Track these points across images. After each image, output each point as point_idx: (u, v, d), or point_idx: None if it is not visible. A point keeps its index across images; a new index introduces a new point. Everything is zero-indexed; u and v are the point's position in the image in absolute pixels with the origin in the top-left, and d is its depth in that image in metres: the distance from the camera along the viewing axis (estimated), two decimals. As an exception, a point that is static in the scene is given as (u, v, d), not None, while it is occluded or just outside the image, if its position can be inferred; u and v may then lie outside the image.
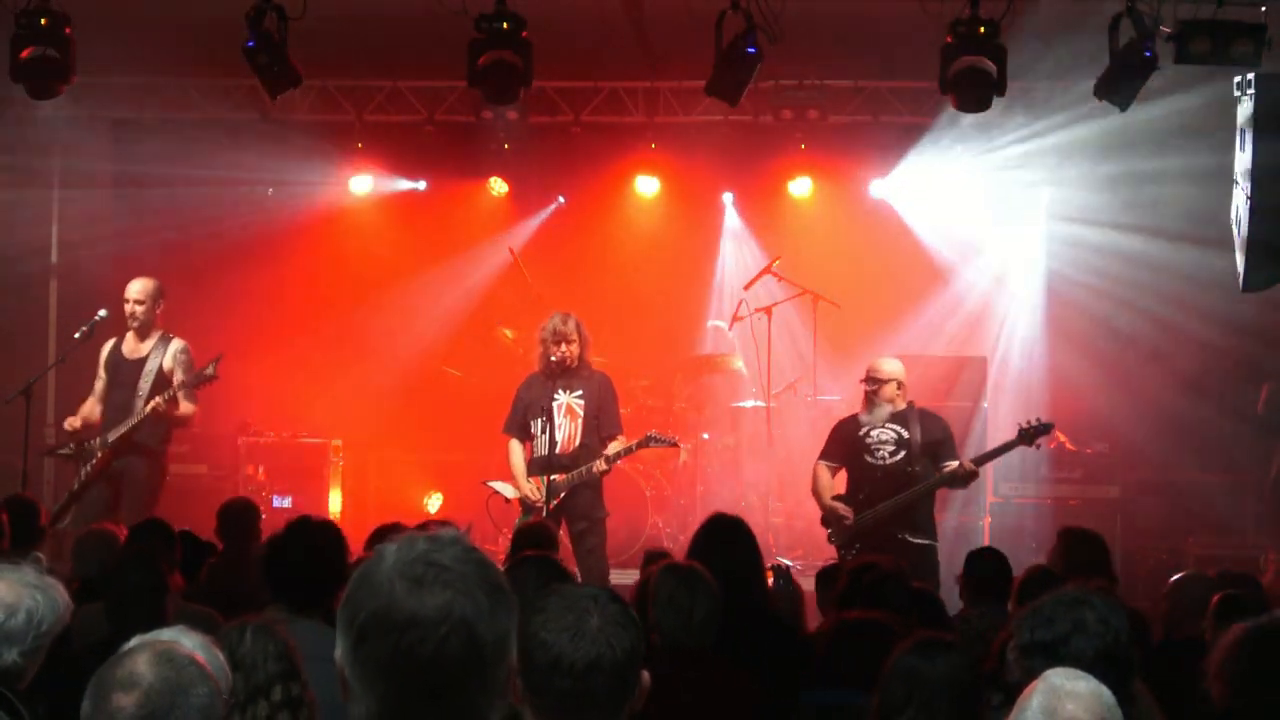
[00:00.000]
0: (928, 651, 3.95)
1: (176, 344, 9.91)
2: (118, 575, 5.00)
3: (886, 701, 3.92)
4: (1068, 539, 6.90)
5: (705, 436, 12.58)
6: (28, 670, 4.01)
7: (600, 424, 9.54)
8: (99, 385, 9.98)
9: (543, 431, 9.49)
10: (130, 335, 9.90)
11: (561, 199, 13.93)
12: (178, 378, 9.74)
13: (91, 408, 9.94)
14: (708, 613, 4.85)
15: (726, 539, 5.85)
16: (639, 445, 9.60)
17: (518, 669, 2.20)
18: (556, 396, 9.48)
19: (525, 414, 9.63)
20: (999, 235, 13.46)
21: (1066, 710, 3.16)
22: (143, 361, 9.83)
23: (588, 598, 2.73)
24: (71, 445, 9.88)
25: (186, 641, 3.07)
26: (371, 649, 2.07)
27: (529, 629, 2.62)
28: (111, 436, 9.69)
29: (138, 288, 9.93)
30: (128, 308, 9.86)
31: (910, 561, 7.18)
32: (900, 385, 9.29)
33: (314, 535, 5.02)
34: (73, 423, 9.82)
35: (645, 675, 2.73)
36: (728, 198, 13.88)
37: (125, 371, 9.84)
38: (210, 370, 9.70)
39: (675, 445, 10.11)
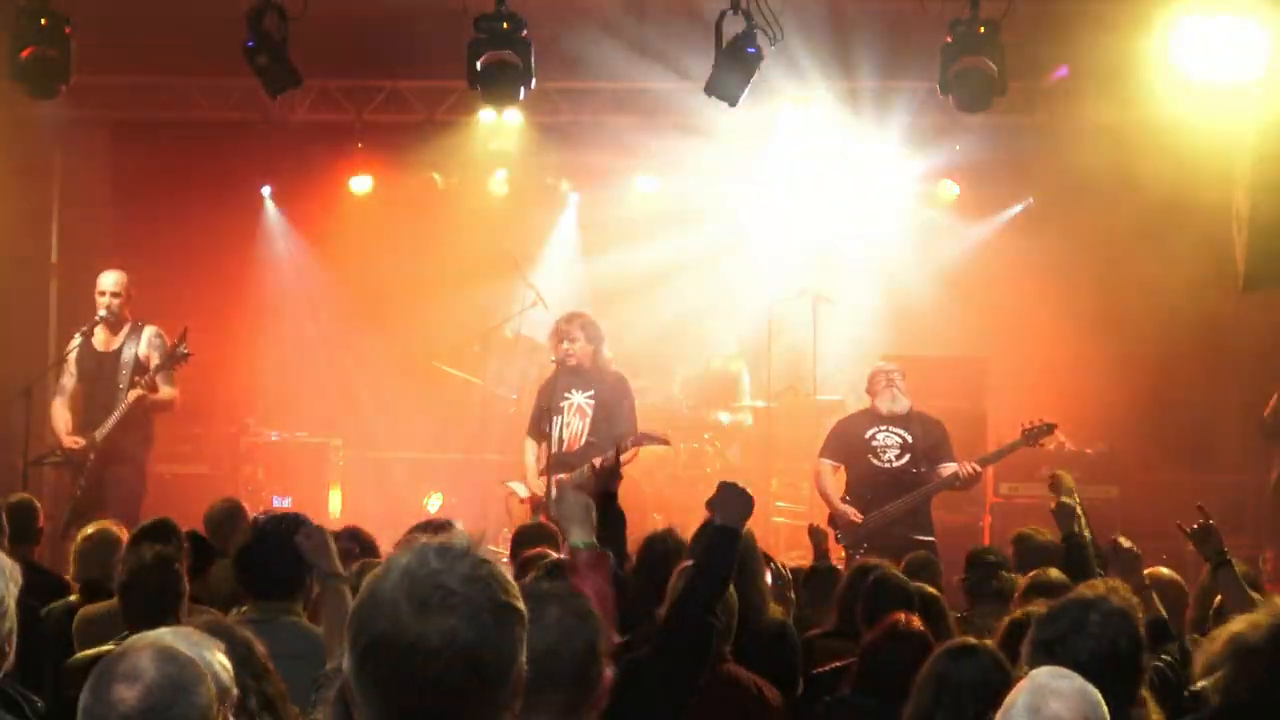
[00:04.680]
0: (956, 655, 4.06)
1: (149, 330, 9.87)
2: (136, 576, 4.99)
3: (919, 705, 4.02)
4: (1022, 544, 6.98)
5: (706, 436, 12.57)
6: (2, 647, 3.98)
7: (611, 426, 9.55)
8: (68, 384, 9.90)
9: (553, 431, 9.54)
10: (100, 329, 9.84)
11: (574, 196, 13.89)
12: (155, 363, 9.71)
13: (61, 410, 9.88)
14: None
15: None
16: (633, 443, 9.63)
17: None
18: (568, 396, 9.54)
19: (542, 415, 9.69)
20: (999, 234, 13.46)
21: (1051, 708, 3.17)
22: (118, 353, 9.79)
23: (549, 593, 2.85)
24: (59, 452, 9.83)
25: (189, 641, 3.08)
26: (373, 672, 2.08)
27: None
28: (99, 435, 9.65)
29: (114, 280, 9.88)
30: (104, 300, 9.81)
31: (917, 558, 7.25)
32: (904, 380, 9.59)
33: (279, 530, 5.03)
34: (76, 440, 9.75)
35: (608, 673, 2.78)
36: (733, 197, 13.84)
37: (100, 366, 9.80)
38: (183, 348, 9.65)
39: (665, 443, 10.18)
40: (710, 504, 4.40)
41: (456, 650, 2.05)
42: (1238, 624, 4.22)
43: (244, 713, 3.52)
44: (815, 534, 7.99)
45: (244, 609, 5.08)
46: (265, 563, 4.95)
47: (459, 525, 6.40)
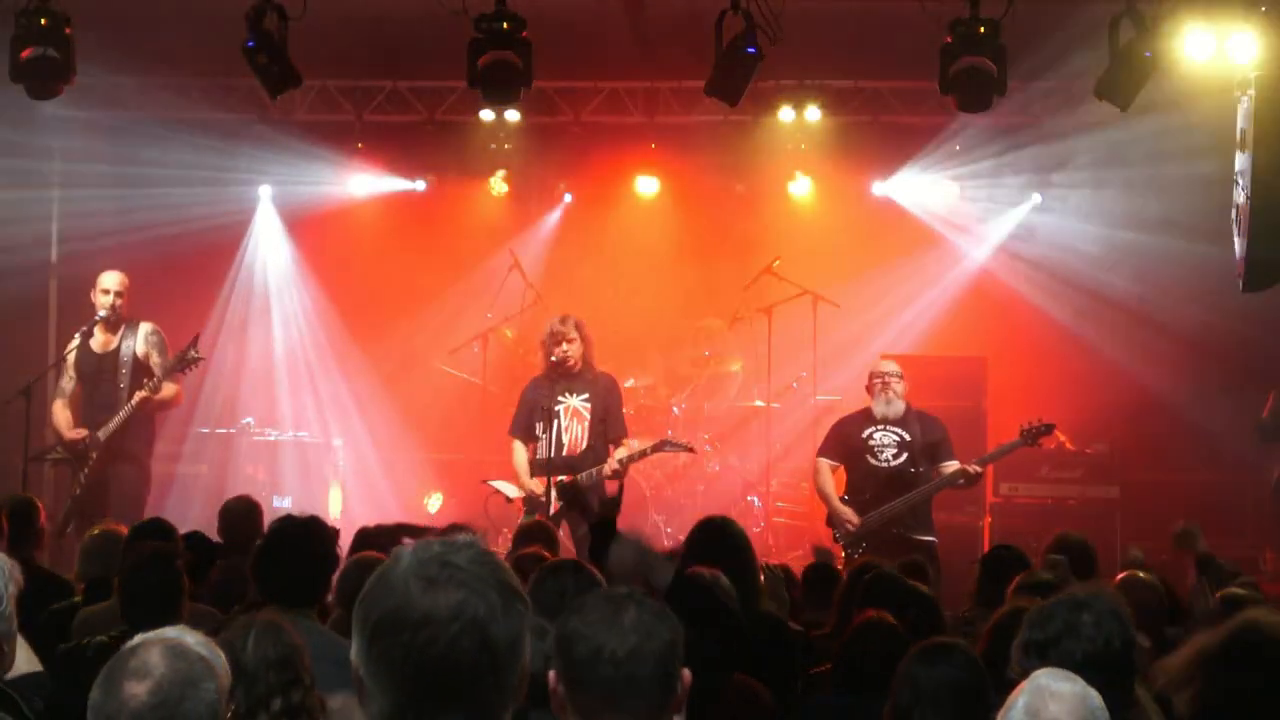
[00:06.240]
0: (929, 657, 4.05)
1: (145, 327, 9.91)
2: (136, 573, 5.00)
3: (895, 706, 4.02)
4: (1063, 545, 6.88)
5: (705, 436, 12.58)
6: (1, 647, 3.99)
7: (607, 427, 9.60)
8: (68, 386, 9.95)
9: (547, 433, 9.53)
10: (97, 330, 9.87)
11: (568, 196, 13.91)
12: (154, 359, 9.75)
13: (62, 410, 9.91)
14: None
15: (716, 541, 5.86)
16: (653, 449, 9.76)
17: (530, 672, 2.19)
18: (562, 399, 9.54)
19: (530, 416, 9.68)
20: (999, 234, 13.47)
21: (1050, 711, 3.16)
22: (116, 353, 9.82)
23: (624, 595, 2.79)
24: (60, 449, 9.85)
25: (189, 639, 3.09)
26: (384, 648, 2.08)
27: (567, 627, 2.67)
28: (103, 434, 9.68)
29: (116, 280, 9.93)
30: (106, 299, 9.85)
31: (911, 559, 7.25)
32: (902, 382, 9.51)
33: (300, 535, 5.03)
34: (78, 432, 9.78)
35: (686, 673, 2.74)
36: (734, 198, 13.85)
37: (100, 366, 9.82)
38: (194, 352, 9.68)
39: (690, 450, 10.27)
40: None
41: (465, 622, 2.07)
42: (1201, 637, 4.22)
43: (264, 711, 3.53)
44: (820, 552, 8.05)
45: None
46: (283, 569, 4.93)
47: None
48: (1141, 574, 6.56)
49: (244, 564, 6.49)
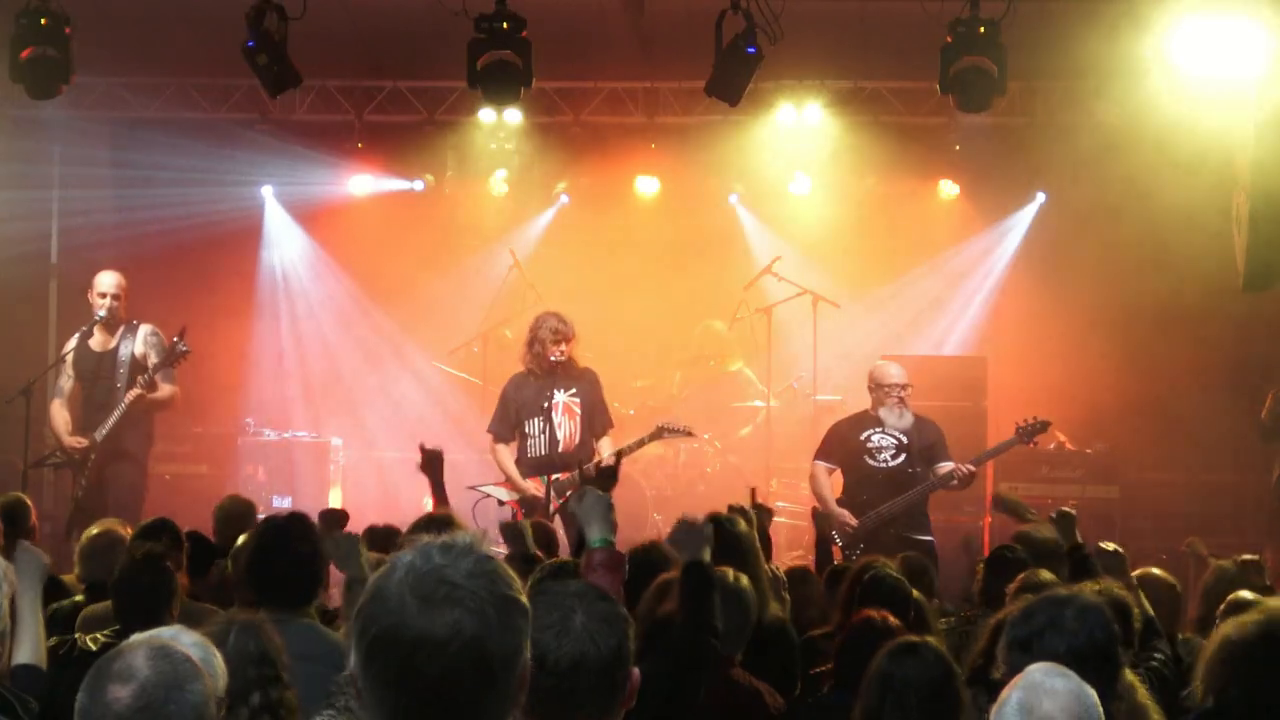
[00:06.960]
0: (897, 656, 4.08)
1: (145, 329, 9.90)
2: (128, 575, 5.00)
3: (866, 705, 4.05)
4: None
5: (705, 436, 12.58)
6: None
7: (593, 421, 9.63)
8: (66, 385, 9.93)
9: (541, 432, 9.52)
10: (96, 329, 9.87)
11: (567, 196, 13.92)
12: (152, 361, 9.74)
13: (60, 410, 9.90)
14: (736, 625, 4.82)
15: (721, 542, 5.84)
16: (651, 437, 9.77)
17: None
18: (554, 396, 9.52)
19: (518, 415, 9.67)
20: (999, 234, 13.48)
21: (1044, 708, 3.15)
22: (115, 353, 9.82)
23: (573, 596, 2.77)
24: (60, 453, 9.85)
25: (184, 639, 3.08)
26: (381, 667, 2.08)
27: None
28: (100, 435, 9.67)
29: (113, 281, 9.92)
30: (105, 301, 9.84)
31: (910, 560, 7.24)
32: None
33: (281, 535, 5.01)
34: (78, 440, 9.78)
35: (635, 673, 2.74)
36: (733, 198, 13.87)
37: (98, 366, 9.82)
38: (181, 345, 9.68)
39: (689, 434, 10.24)
40: (673, 543, 4.51)
41: (462, 643, 2.06)
42: (1227, 626, 4.24)
43: (244, 705, 3.54)
44: (819, 518, 8.07)
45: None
46: (277, 572, 4.91)
47: (459, 521, 6.44)
48: (1156, 570, 6.60)
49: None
